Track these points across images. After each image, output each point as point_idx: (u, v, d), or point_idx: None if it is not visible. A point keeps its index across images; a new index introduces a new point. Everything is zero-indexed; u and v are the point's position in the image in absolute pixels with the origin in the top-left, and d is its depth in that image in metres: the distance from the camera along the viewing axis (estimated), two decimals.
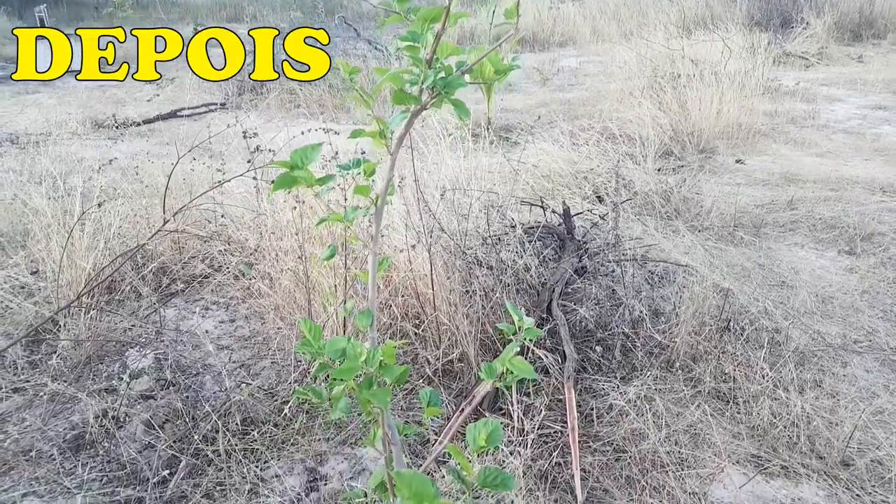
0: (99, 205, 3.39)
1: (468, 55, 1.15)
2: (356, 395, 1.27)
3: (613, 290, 2.95)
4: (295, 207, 2.67)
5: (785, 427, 2.30)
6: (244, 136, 3.10)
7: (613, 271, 3.06)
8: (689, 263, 3.28)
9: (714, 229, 4.05)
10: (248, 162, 3.01)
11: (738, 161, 5.37)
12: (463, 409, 2.29)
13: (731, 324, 2.81)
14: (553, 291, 2.81)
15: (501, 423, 2.14)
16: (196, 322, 3.09)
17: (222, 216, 3.37)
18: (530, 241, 3.08)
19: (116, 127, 6.35)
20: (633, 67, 6.95)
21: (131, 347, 2.88)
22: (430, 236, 2.51)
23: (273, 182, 1.17)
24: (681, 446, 2.23)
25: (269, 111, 7.34)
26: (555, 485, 2.11)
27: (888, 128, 6.26)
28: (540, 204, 3.59)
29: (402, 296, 2.67)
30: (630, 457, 2.18)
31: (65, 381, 2.63)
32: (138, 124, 6.85)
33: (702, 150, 5.57)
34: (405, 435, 1.44)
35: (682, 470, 2.14)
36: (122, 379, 2.51)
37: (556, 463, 2.17)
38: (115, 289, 3.31)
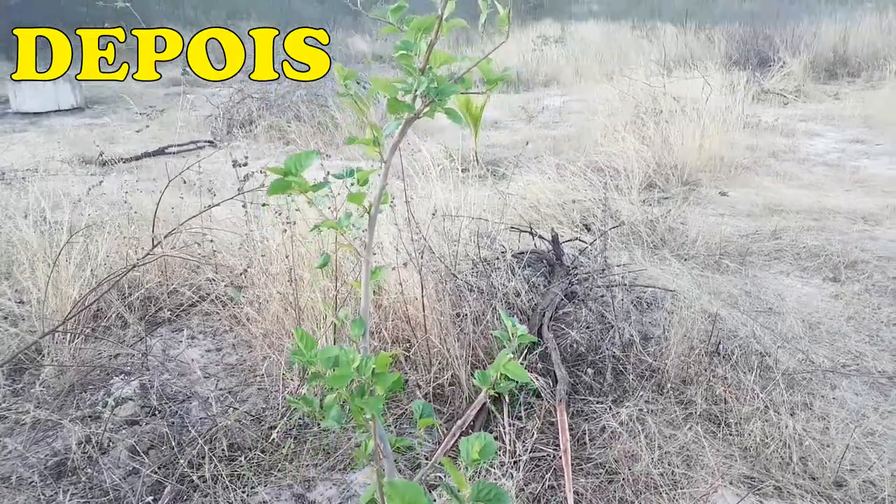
0: (85, 227, 3.38)
1: (461, 63, 1.18)
2: (348, 403, 1.25)
3: (603, 314, 2.96)
4: (285, 230, 2.67)
5: (777, 448, 2.29)
6: (234, 165, 3.11)
7: (602, 296, 3.07)
8: (677, 289, 3.31)
9: (700, 258, 4.09)
10: (238, 190, 3.02)
11: (721, 193, 5.46)
12: (455, 433, 2.27)
13: (721, 347, 2.82)
14: (544, 315, 2.81)
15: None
16: (183, 350, 3.05)
17: (211, 241, 3.37)
18: (520, 267, 3.09)
19: (104, 164, 6.35)
20: (615, 104, 7.10)
21: (116, 375, 2.83)
22: (421, 257, 2.51)
23: (265, 200, 1.19)
24: (674, 467, 2.21)
25: (259, 147, 7.39)
26: None
27: (867, 161, 6.41)
28: (529, 230, 3.62)
29: (392, 320, 2.67)
30: (623, 478, 2.16)
31: (47, 409, 2.57)
32: (126, 160, 6.85)
33: (685, 183, 5.66)
34: (397, 448, 1.42)
35: (676, 491, 2.12)
36: (107, 404, 2.47)
37: (549, 486, 2.15)
38: (100, 316, 3.27)
